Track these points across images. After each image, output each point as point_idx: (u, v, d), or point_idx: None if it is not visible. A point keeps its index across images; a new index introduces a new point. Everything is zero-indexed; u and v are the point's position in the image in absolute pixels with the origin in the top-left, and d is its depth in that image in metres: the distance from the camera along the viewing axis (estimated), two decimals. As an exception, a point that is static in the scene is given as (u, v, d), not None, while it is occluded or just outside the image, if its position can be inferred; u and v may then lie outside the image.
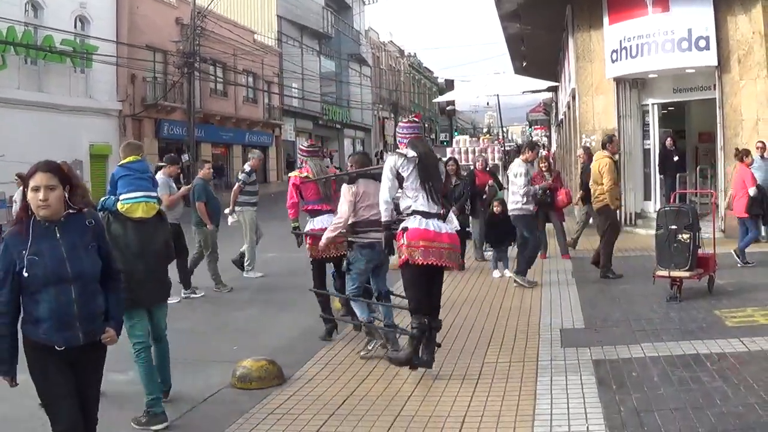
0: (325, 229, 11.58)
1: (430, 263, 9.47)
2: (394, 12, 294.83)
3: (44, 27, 39.21)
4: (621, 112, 23.66)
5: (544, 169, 18.98)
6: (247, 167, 19.13)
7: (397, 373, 9.68)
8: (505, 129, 46.08)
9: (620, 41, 22.81)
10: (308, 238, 12.20)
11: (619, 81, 23.60)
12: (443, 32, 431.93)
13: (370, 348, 10.88)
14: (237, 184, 18.92)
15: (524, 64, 39.04)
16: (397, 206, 9.92)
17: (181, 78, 48.62)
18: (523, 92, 34.77)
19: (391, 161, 9.73)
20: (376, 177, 10.84)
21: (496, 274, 16.92)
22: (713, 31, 20.86)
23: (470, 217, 19.04)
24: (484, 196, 18.93)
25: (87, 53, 42.31)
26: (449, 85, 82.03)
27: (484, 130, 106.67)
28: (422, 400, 8.61)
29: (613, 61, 23.27)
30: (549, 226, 19.05)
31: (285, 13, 70.19)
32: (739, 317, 11.40)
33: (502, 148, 30.07)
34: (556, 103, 51.71)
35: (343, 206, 10.95)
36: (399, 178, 9.67)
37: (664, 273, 13.04)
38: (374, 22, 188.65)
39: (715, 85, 21.39)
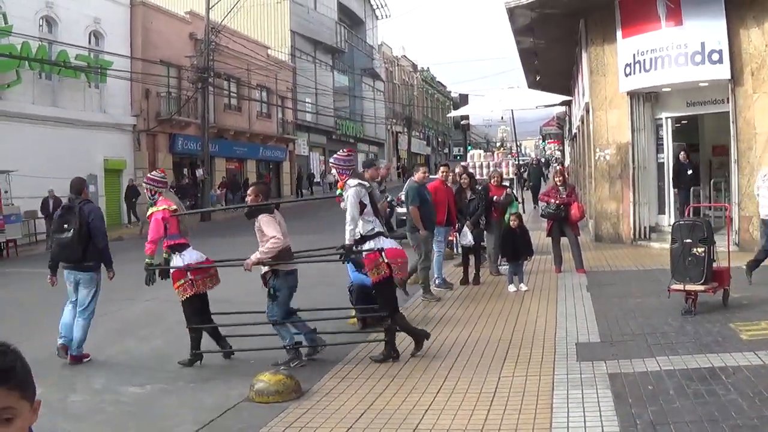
0: (201, 263, 12.28)
1: (401, 276, 11.86)
2: (407, 27, 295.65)
3: (59, 42, 39.48)
4: (635, 126, 23.70)
5: (558, 183, 19.04)
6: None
7: (414, 386, 9.73)
8: (518, 143, 46.24)
9: (633, 55, 22.85)
10: (190, 273, 12.04)
11: (632, 95, 23.63)
12: (456, 47, 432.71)
13: (292, 365, 11.42)
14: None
15: (537, 78, 39.02)
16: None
17: (195, 93, 48.78)
18: (537, 107, 34.78)
19: (356, 191, 11.44)
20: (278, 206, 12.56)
21: (512, 288, 16.92)
22: (726, 44, 20.88)
23: (485, 232, 19.06)
24: (496, 201, 18.95)
25: (101, 68, 42.54)
26: (464, 99, 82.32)
27: (498, 144, 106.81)
28: (439, 414, 8.61)
29: (626, 75, 23.30)
30: (564, 240, 19.08)
31: (298, 28, 70.45)
32: (754, 330, 11.41)
33: (517, 162, 30.11)
34: (570, 117, 51.69)
35: (274, 232, 11.42)
36: (361, 205, 11.42)
37: (679, 286, 13.05)
38: (387, 37, 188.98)
39: (728, 99, 21.39)
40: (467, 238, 18.17)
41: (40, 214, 35.26)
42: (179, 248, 12.20)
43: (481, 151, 37.71)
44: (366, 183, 11.72)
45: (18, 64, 36.75)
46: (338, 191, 12.06)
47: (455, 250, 20.95)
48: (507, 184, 24.38)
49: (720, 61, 21.01)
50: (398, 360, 11.21)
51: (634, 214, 23.80)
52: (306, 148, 73.87)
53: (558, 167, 23.44)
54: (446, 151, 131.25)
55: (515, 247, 17.31)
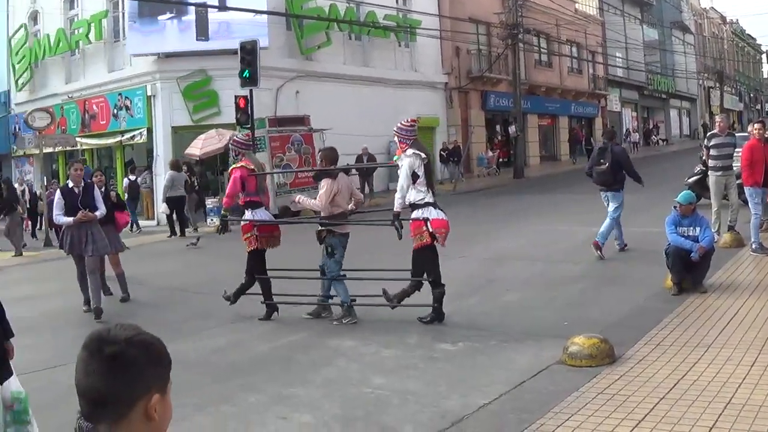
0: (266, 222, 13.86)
1: (443, 245, 12.33)
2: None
3: (366, 3, 40.63)
4: None
5: None
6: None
7: (729, 357, 9.35)
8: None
9: None
10: (255, 228, 13.53)
11: None
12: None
13: (344, 321, 12.80)
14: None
15: None
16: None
17: (505, 50, 49.07)
18: None
19: (410, 161, 12.17)
20: (347, 172, 14.12)
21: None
22: None
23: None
24: None
25: (410, 27, 43.49)
26: (784, 52, 79.16)
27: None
28: (754, 388, 8.21)
29: None
30: None
31: (604, -20, 69.57)
32: None
33: None
34: None
35: (323, 198, 12.84)
36: (414, 176, 12.14)
37: None
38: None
39: None
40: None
41: (353, 172, 36.17)
42: (253, 205, 13.68)
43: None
44: (422, 154, 12.34)
45: (327, 26, 38.43)
46: (395, 158, 13.00)
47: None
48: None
49: None
50: (443, 322, 12.32)
51: None
52: (618, 104, 73.02)
53: None
54: (758, 107, 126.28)
55: None
